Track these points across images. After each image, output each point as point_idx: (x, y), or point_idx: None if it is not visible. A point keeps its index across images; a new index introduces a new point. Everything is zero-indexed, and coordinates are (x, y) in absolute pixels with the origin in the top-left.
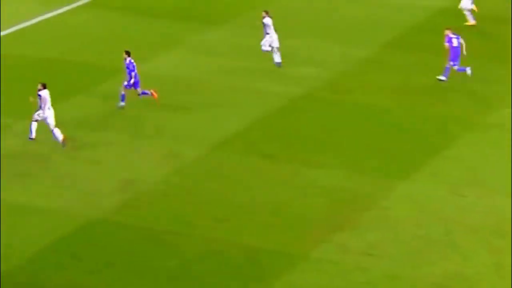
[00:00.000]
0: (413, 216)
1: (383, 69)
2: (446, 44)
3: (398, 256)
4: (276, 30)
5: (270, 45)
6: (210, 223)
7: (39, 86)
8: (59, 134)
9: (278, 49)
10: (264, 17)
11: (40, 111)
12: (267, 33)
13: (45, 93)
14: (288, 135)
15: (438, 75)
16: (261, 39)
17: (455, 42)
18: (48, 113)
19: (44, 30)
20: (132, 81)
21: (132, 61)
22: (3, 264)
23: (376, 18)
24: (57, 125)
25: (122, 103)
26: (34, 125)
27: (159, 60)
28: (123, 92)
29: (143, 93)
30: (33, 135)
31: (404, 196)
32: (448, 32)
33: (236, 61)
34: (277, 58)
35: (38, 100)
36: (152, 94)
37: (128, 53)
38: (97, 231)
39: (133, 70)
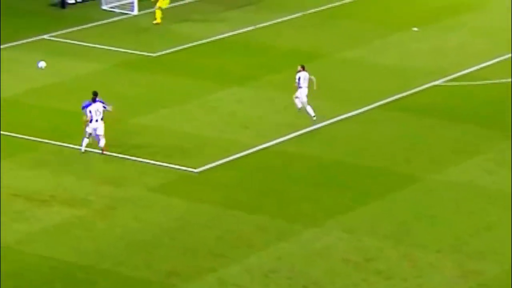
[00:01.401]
0: None
1: None
2: None
3: None
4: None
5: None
6: None
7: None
8: (102, 142)
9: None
10: (299, 71)
11: (90, 124)
12: (300, 87)
13: (95, 107)
14: None
15: None
16: None
17: None
18: (97, 125)
19: (337, 129)
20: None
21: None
22: None
23: None
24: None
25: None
26: (86, 141)
27: (455, 169)
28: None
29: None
30: (83, 149)
31: None
32: None
33: None
34: (311, 111)
35: (89, 114)
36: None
37: (94, 94)
38: None
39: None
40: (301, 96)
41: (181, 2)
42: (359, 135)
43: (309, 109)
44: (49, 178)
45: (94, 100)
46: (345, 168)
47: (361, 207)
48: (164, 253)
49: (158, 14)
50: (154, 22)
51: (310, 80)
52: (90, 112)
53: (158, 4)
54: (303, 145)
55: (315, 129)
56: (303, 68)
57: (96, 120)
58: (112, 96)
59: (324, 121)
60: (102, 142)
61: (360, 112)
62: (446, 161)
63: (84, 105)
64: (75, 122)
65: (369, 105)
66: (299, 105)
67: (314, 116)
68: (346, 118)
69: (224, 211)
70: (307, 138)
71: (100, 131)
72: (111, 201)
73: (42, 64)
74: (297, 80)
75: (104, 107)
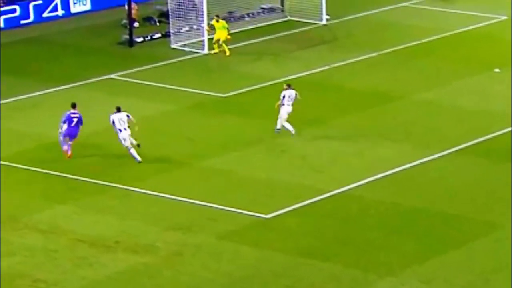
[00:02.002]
0: None
1: None
2: None
3: None
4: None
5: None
6: None
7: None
8: (135, 153)
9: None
10: (285, 89)
11: (119, 134)
12: (283, 104)
13: (118, 116)
14: None
15: None
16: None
17: None
18: (124, 135)
19: (415, 174)
20: (65, 131)
21: (72, 115)
22: None
23: None
24: None
25: (64, 147)
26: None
27: None
28: (61, 138)
29: (68, 146)
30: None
31: None
32: None
33: None
34: (279, 125)
35: (112, 123)
36: (66, 152)
37: (72, 106)
38: None
39: (70, 122)
40: (282, 113)
41: (252, 41)
42: (437, 180)
43: (288, 125)
44: (114, 223)
45: (118, 110)
46: (422, 215)
47: (438, 256)
48: None
49: (221, 47)
50: (227, 54)
51: (296, 98)
52: (113, 122)
53: (215, 37)
54: (379, 191)
55: (391, 174)
56: (289, 86)
57: (120, 130)
58: (180, 138)
59: (401, 165)
60: (135, 153)
61: (438, 157)
62: None
63: (63, 119)
64: (141, 165)
65: (447, 149)
66: (279, 126)
67: (293, 131)
68: (423, 163)
69: (296, 259)
70: (383, 183)
71: (128, 141)
72: (178, 248)
73: None
74: (281, 98)
75: (128, 116)
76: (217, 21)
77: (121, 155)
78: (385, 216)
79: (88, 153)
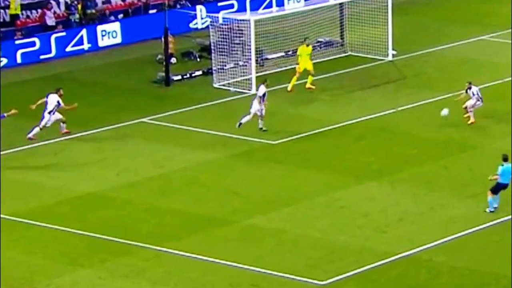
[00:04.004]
0: None
1: None
2: None
3: None
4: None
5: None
6: None
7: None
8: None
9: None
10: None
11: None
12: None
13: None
14: None
15: None
16: None
17: None
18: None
19: (492, 236)
20: None
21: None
22: None
23: None
24: None
25: None
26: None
27: None
28: None
29: None
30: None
31: None
32: None
33: None
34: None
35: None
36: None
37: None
38: None
39: None
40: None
41: (306, 80)
42: None
43: (246, 119)
44: None
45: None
46: (503, 283)
47: None
48: None
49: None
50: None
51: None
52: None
53: (301, 67)
54: (452, 254)
55: (467, 235)
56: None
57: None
58: (223, 191)
59: (478, 225)
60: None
61: None
62: None
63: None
64: (178, 223)
65: None
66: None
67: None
68: (504, 222)
69: None
70: (457, 245)
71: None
72: None
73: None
74: (261, 97)
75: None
76: (308, 45)
77: (154, 211)
78: (460, 284)
79: (115, 208)
